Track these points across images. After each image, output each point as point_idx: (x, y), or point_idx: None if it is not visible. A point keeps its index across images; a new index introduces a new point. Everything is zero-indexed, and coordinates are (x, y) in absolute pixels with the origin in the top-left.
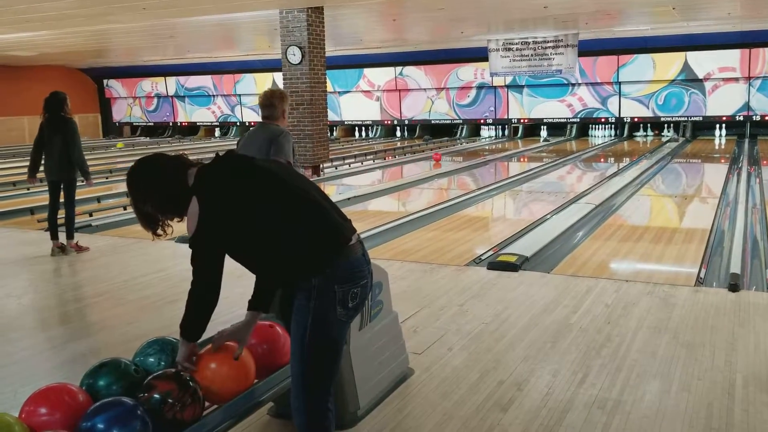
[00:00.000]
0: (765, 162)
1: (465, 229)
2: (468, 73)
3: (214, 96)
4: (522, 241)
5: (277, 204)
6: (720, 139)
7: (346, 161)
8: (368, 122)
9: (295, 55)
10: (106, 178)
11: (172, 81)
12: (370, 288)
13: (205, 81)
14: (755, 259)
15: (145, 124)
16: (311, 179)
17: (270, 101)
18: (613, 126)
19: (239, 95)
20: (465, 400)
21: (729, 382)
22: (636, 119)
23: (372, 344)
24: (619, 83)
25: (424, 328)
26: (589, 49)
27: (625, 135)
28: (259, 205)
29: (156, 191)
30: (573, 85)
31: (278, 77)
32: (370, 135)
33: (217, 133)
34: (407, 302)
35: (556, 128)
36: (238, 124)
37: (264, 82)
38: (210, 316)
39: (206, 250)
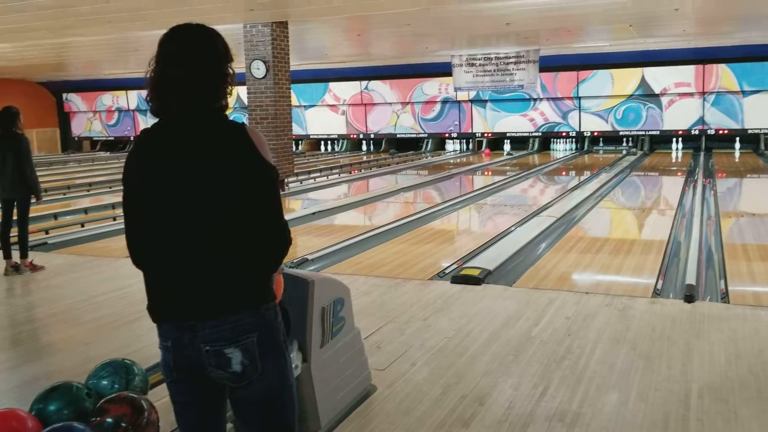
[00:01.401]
0: (719, 174)
1: (430, 242)
2: (433, 87)
3: None
4: (485, 254)
5: None
6: (676, 153)
7: (312, 175)
8: (334, 136)
9: (259, 69)
10: (64, 195)
11: (133, 95)
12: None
13: None
14: (710, 270)
15: (105, 138)
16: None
17: None
18: (573, 140)
19: None
20: (427, 416)
21: (685, 392)
22: (596, 133)
23: (333, 361)
24: (579, 98)
25: (388, 344)
26: (550, 64)
27: (585, 148)
28: None
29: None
30: (535, 99)
31: (242, 91)
32: (336, 149)
33: None
34: (371, 317)
35: (519, 142)
36: None
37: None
38: None
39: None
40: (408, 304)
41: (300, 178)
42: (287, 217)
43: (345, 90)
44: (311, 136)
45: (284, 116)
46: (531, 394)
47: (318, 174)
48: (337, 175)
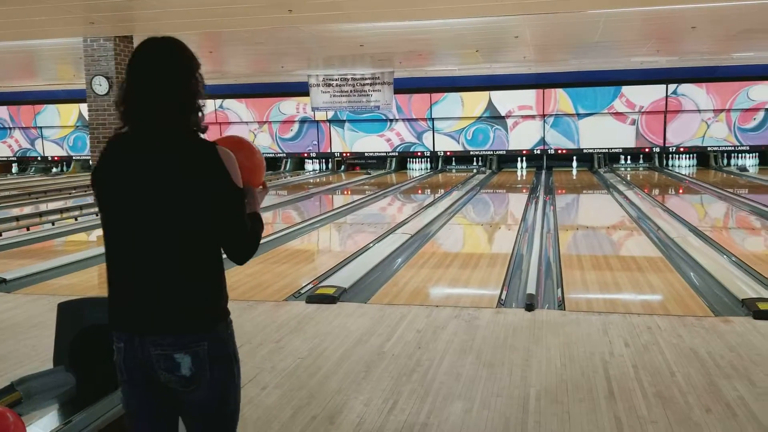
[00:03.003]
0: (559, 191)
1: (287, 262)
2: (290, 107)
3: (10, 128)
4: (342, 272)
5: None
6: (521, 171)
7: None
8: None
9: (101, 86)
10: None
11: None
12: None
13: None
14: (548, 280)
15: None
16: None
17: None
18: (428, 159)
19: (40, 128)
20: None
21: (524, 396)
22: (448, 153)
23: None
24: (433, 119)
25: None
26: (404, 86)
27: (439, 168)
28: None
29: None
30: (391, 120)
31: (84, 108)
32: None
33: (15, 168)
34: None
35: (377, 162)
36: (38, 158)
37: (69, 113)
38: None
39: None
40: (260, 327)
41: None
42: None
43: None
44: None
45: None
46: (381, 409)
47: None
48: None
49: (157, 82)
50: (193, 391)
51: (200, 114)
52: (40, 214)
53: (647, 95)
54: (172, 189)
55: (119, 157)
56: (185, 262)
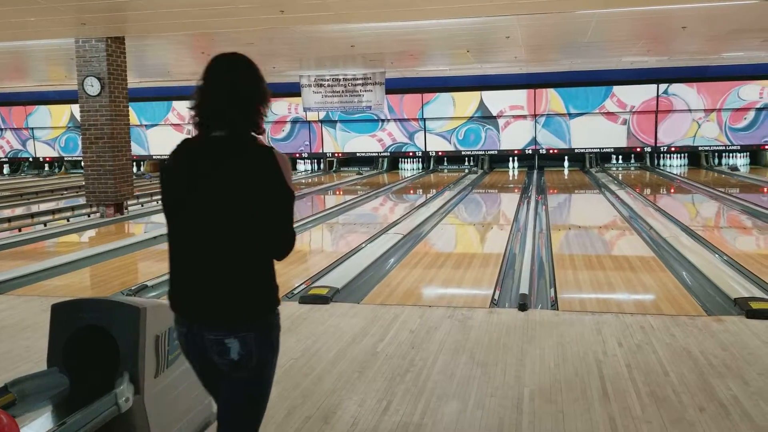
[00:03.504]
0: (550, 191)
1: (279, 263)
2: (282, 107)
3: (1, 129)
4: (335, 272)
5: None
6: (513, 171)
7: (154, 198)
8: None
9: (93, 86)
10: None
11: None
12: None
13: None
14: (541, 279)
15: None
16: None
17: None
18: (420, 159)
19: (32, 128)
20: None
21: (518, 396)
22: (440, 153)
23: (169, 392)
24: (424, 119)
25: None
26: (396, 87)
27: (431, 168)
28: None
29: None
30: (383, 120)
31: (76, 109)
32: None
33: (6, 169)
34: None
35: (369, 162)
36: (30, 159)
37: (61, 114)
38: None
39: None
40: None
41: (141, 200)
42: (126, 242)
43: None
44: (154, 157)
45: (122, 136)
46: (375, 409)
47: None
48: None
49: (231, 92)
50: (237, 372)
51: (263, 118)
52: (32, 215)
53: (638, 95)
54: (235, 188)
55: (189, 158)
56: (241, 257)
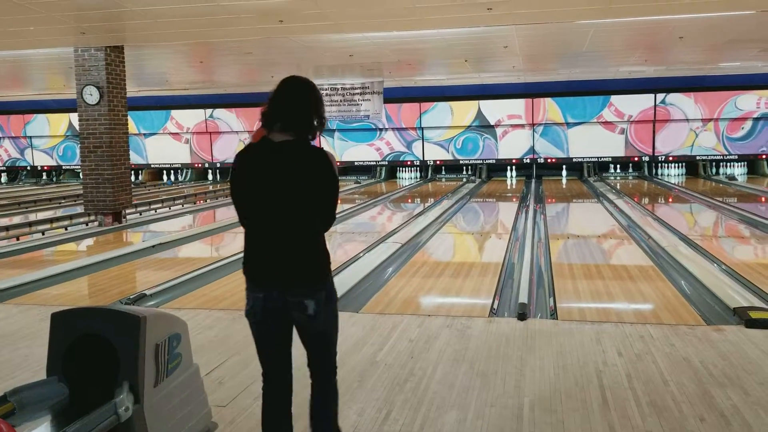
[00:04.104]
0: (549, 200)
1: None
2: None
3: (0, 138)
4: (334, 281)
5: None
6: (511, 180)
7: (153, 206)
8: (177, 165)
9: (92, 95)
10: None
11: None
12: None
13: None
14: (540, 289)
15: None
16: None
17: None
18: (418, 168)
19: (30, 137)
20: None
21: (518, 406)
22: (438, 162)
23: (168, 401)
24: (422, 129)
25: (231, 378)
26: (394, 96)
27: (428, 177)
28: None
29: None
30: (381, 129)
31: (74, 118)
32: (180, 178)
33: (4, 178)
34: (214, 352)
35: (367, 171)
36: (28, 168)
37: (59, 123)
38: None
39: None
40: (252, 338)
41: (139, 209)
42: (124, 251)
43: (188, 118)
44: (152, 166)
45: (120, 144)
46: (375, 419)
47: (159, 205)
48: (180, 206)
49: (297, 108)
50: (314, 324)
51: (321, 127)
52: (30, 224)
53: (636, 105)
54: (300, 180)
55: (264, 156)
56: (309, 233)
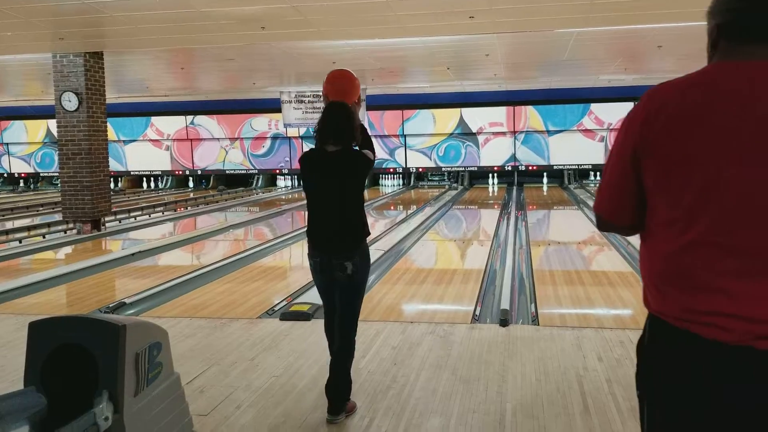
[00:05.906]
0: (530, 207)
1: (259, 279)
2: (262, 123)
3: None
4: (316, 289)
5: None
6: (493, 187)
7: (132, 214)
8: (157, 172)
9: (70, 102)
10: None
11: None
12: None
13: None
14: (522, 295)
15: None
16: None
17: None
18: (401, 175)
19: (6, 144)
20: None
21: (500, 412)
22: (421, 169)
23: (149, 411)
24: (405, 136)
25: (212, 387)
26: (376, 103)
27: (411, 184)
28: None
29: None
30: None
31: (53, 124)
32: (160, 186)
33: None
34: (195, 361)
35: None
36: (5, 175)
37: (37, 129)
38: None
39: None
40: (234, 345)
41: (119, 217)
42: (103, 259)
43: (169, 124)
44: (132, 173)
45: (99, 151)
46: (358, 426)
47: (139, 213)
48: (160, 213)
49: (341, 124)
50: (349, 280)
51: (361, 135)
52: (7, 232)
53: (615, 112)
54: (346, 172)
55: (319, 160)
56: (351, 212)
